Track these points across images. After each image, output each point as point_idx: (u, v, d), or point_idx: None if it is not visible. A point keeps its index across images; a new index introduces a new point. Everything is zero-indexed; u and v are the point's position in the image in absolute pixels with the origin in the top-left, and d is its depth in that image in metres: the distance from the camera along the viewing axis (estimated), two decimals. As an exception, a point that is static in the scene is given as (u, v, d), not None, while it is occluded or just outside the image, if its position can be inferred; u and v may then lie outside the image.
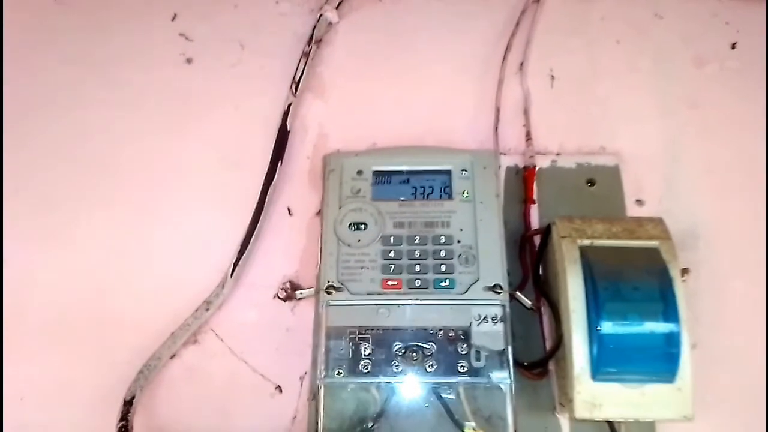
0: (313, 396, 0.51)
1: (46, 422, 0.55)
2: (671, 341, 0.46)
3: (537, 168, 0.60)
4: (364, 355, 0.50)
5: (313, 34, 0.68)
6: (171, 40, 0.70)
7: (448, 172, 0.57)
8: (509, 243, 0.56)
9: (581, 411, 0.47)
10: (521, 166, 0.61)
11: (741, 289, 0.57)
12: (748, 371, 0.55)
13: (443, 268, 0.53)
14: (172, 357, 0.56)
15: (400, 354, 0.50)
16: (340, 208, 0.56)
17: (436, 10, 0.71)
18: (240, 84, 0.68)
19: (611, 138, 0.63)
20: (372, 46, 0.69)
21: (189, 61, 0.69)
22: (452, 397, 0.49)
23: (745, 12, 0.69)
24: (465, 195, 0.56)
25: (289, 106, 0.64)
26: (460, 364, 0.49)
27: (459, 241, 0.54)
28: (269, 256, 0.60)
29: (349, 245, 0.54)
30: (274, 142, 0.62)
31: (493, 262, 0.53)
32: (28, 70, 0.69)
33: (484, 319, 0.51)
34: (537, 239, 0.57)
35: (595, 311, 0.47)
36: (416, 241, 0.54)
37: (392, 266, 0.53)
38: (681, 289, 0.47)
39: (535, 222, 0.59)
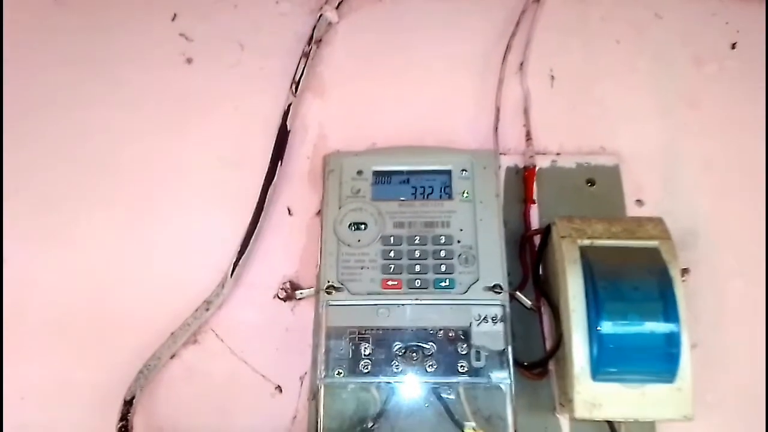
0: (313, 396, 0.51)
1: (46, 422, 0.55)
2: (671, 341, 0.46)
3: (537, 168, 0.60)
4: (364, 355, 0.50)
5: (313, 34, 0.67)
6: (171, 40, 0.70)
7: (448, 172, 0.57)
8: (509, 243, 0.56)
9: (581, 411, 0.47)
10: (521, 166, 0.61)
11: (741, 288, 0.57)
12: (748, 371, 0.55)
13: (443, 268, 0.53)
14: (172, 357, 0.56)
15: (400, 354, 0.50)
16: (340, 208, 0.56)
17: (436, 10, 0.71)
18: (240, 84, 0.68)
19: (611, 138, 0.63)
20: (372, 46, 0.69)
21: (189, 61, 0.69)
22: (452, 397, 0.49)
23: (745, 12, 0.69)
24: (465, 195, 0.56)
25: (289, 106, 0.64)
26: (460, 364, 0.49)
27: (459, 241, 0.54)
28: (269, 256, 0.60)
29: (349, 245, 0.54)
30: (274, 142, 0.62)
31: (493, 262, 0.53)
32: (28, 70, 0.69)
33: (484, 319, 0.51)
34: (537, 239, 0.57)
35: (595, 311, 0.47)
36: (416, 241, 0.54)
37: (392, 266, 0.53)
38: (681, 289, 0.47)
39: (535, 222, 0.59)
